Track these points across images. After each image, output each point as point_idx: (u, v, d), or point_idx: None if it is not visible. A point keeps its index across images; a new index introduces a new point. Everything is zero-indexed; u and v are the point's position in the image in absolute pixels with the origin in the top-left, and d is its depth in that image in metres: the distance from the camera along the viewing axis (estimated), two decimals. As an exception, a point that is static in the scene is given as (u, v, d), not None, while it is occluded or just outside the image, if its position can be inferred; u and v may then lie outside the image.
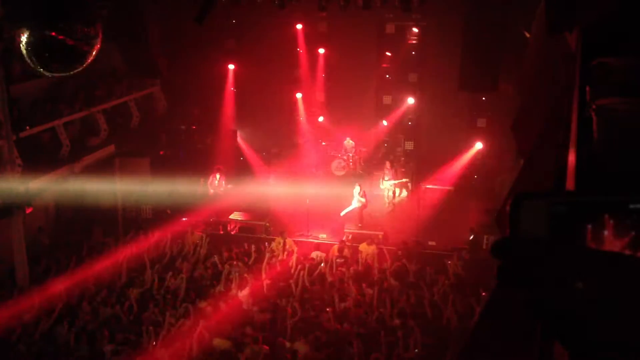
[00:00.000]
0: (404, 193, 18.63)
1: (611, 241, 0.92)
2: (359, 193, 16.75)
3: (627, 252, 0.92)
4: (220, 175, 18.03)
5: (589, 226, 0.93)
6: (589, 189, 1.42)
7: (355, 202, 16.75)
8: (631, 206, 0.92)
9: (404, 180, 18.44)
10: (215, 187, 17.95)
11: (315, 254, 14.50)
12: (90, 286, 12.80)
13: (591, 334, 0.86)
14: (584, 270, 0.88)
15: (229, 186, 18.23)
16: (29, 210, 14.29)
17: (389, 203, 18.12)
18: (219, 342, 10.65)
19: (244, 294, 12.51)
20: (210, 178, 17.96)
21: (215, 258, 14.04)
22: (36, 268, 14.10)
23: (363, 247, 14.82)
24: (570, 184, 1.70)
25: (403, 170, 18.96)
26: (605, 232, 0.92)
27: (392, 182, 18.16)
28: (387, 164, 18.38)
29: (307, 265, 13.56)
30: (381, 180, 18.25)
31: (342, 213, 16.91)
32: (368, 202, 16.94)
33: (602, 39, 1.78)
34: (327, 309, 11.72)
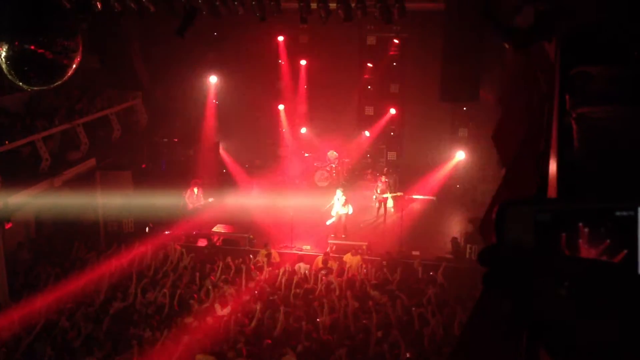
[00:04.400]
0: (390, 203, 18.64)
1: (586, 249, 0.93)
2: (342, 200, 16.75)
3: (603, 259, 0.93)
4: (199, 189, 17.96)
5: (564, 234, 0.94)
6: (572, 196, 1.43)
7: (339, 208, 16.73)
8: (617, 213, 0.93)
9: (398, 193, 18.12)
10: (194, 201, 17.87)
11: (299, 266, 14.46)
12: (72, 302, 12.63)
13: (575, 340, 0.86)
14: (568, 277, 0.88)
15: (210, 199, 18.15)
16: (8, 226, 14.08)
17: (380, 215, 18.03)
18: (201, 357, 10.54)
19: (227, 307, 12.42)
20: (188, 192, 17.88)
21: (198, 271, 13.94)
22: (16, 284, 13.88)
23: (348, 257, 14.84)
24: (552, 192, 1.71)
25: (386, 181, 18.89)
26: (580, 240, 0.93)
27: (386, 195, 17.98)
28: (382, 178, 18.22)
29: (291, 278, 13.52)
30: (375, 192, 18.12)
31: (329, 222, 16.90)
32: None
33: (581, 48, 1.80)
34: (313, 321, 11.67)
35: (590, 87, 1.67)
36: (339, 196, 16.85)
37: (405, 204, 17.35)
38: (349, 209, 16.85)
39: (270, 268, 14.33)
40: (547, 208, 0.96)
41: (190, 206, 17.81)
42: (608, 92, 1.63)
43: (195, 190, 17.90)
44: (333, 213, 16.96)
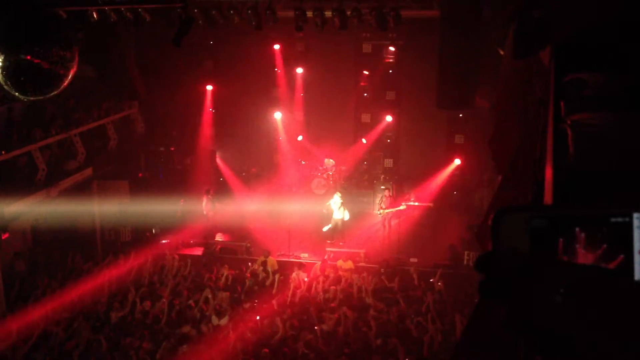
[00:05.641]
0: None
1: (583, 254, 0.93)
2: (339, 204, 16.78)
3: (600, 264, 0.93)
4: (210, 196, 17.97)
5: (561, 240, 0.94)
6: (567, 202, 1.43)
7: (336, 213, 16.74)
8: (612, 220, 0.93)
9: (402, 206, 17.87)
10: (209, 209, 17.84)
11: (297, 274, 14.43)
12: (69, 312, 12.58)
13: (572, 348, 0.86)
14: (564, 283, 0.88)
15: (223, 205, 18.13)
16: (5, 236, 14.03)
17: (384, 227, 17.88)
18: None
19: (225, 317, 12.39)
20: (204, 201, 17.83)
21: (196, 280, 13.90)
22: (12, 294, 13.82)
23: (340, 263, 14.89)
24: (548, 198, 1.71)
25: (389, 195, 18.56)
26: (577, 246, 0.93)
27: (391, 210, 17.78)
28: (386, 192, 18.05)
29: (289, 286, 13.50)
30: (379, 206, 17.94)
31: (325, 228, 16.89)
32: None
33: (574, 55, 1.81)
34: (312, 329, 11.64)
35: (585, 94, 1.68)
36: (336, 200, 16.86)
37: (401, 211, 17.33)
38: (345, 215, 16.83)
39: (267, 276, 14.31)
40: (542, 214, 0.96)
41: (207, 213, 17.80)
42: (602, 98, 1.64)
43: (209, 197, 17.94)
44: (333, 217, 16.98)
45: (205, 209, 17.82)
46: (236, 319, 12.24)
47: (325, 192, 19.48)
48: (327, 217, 17.19)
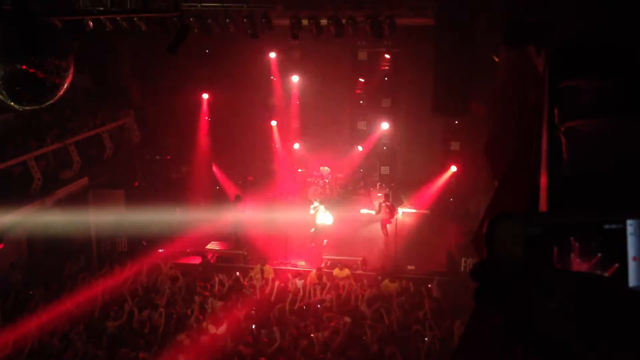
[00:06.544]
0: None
1: (578, 263, 0.93)
2: (320, 210, 16.93)
3: (595, 273, 0.93)
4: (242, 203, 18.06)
5: (556, 249, 0.94)
6: (561, 209, 1.44)
7: (319, 219, 16.90)
8: (606, 227, 0.93)
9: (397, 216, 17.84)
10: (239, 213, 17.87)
11: (293, 282, 14.41)
12: (65, 322, 12.52)
13: (570, 351, 0.86)
14: (559, 290, 0.88)
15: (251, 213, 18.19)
16: (0, 247, 13.98)
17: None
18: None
19: (223, 326, 12.34)
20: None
21: (193, 289, 13.85)
22: (8, 305, 13.75)
23: (336, 272, 14.88)
24: (542, 206, 1.72)
25: (389, 203, 18.46)
26: (572, 254, 0.93)
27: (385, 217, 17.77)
28: (385, 202, 17.98)
29: (286, 294, 13.47)
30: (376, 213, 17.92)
31: (312, 230, 17.04)
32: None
33: (569, 60, 1.81)
34: (308, 337, 11.60)
35: (579, 101, 1.68)
36: (316, 206, 17.02)
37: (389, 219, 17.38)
38: (327, 220, 16.95)
39: (264, 285, 14.28)
40: (537, 222, 0.96)
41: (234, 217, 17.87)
42: (595, 105, 1.64)
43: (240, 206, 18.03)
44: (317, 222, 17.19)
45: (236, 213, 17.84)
46: (233, 327, 12.20)
47: (321, 200, 19.49)
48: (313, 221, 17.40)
